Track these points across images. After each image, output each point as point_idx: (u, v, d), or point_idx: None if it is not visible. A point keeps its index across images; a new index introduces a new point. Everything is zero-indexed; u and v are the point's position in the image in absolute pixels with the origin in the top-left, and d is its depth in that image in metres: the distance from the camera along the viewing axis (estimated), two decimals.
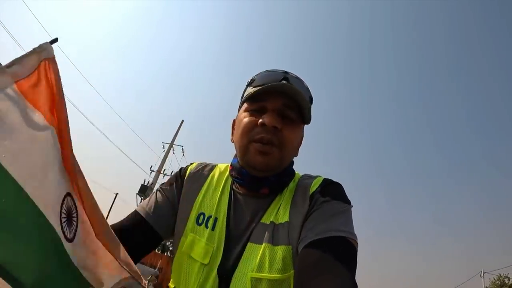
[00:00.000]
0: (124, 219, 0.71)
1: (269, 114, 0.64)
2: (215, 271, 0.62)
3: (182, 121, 16.86)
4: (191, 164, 0.82)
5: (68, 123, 0.49)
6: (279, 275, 0.58)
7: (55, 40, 0.51)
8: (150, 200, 0.74)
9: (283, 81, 0.65)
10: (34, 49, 0.47)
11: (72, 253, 0.46)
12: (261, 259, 0.60)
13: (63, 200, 0.46)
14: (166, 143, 16.65)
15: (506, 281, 22.88)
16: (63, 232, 0.45)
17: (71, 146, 0.48)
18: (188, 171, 0.78)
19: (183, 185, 0.75)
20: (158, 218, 0.70)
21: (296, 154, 0.74)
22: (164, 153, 16.29)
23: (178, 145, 17.27)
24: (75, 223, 0.48)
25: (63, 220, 0.45)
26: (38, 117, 0.45)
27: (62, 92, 0.49)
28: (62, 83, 0.49)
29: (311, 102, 0.72)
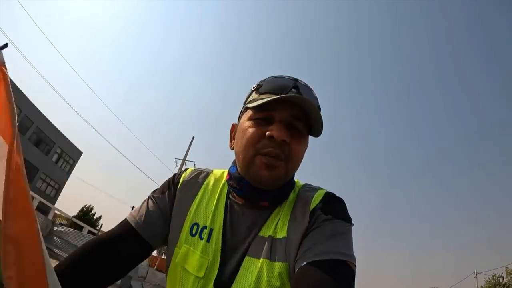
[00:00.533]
0: (114, 228, 0.68)
1: (278, 127, 0.60)
2: (212, 285, 0.59)
3: (193, 137, 17.95)
4: (185, 170, 0.78)
5: (16, 137, 0.45)
6: None
7: (5, 46, 0.50)
8: (141, 208, 0.71)
9: (293, 89, 0.62)
10: None
11: None
12: (258, 274, 0.57)
13: None
14: (178, 158, 17.79)
15: (501, 280, 23.25)
16: None
17: (19, 164, 0.43)
18: (181, 179, 0.74)
19: (176, 194, 0.72)
20: (149, 228, 0.67)
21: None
22: (177, 168, 17.43)
23: (190, 161, 18.30)
24: None
25: None
26: None
27: (13, 105, 0.47)
28: (12, 95, 0.47)
29: (320, 110, 0.68)
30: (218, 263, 0.62)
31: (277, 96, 0.60)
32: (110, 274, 0.63)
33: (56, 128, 24.62)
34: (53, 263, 0.46)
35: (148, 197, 0.74)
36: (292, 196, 0.68)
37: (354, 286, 0.52)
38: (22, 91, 20.33)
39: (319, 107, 0.67)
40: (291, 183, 0.69)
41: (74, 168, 28.56)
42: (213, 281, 0.60)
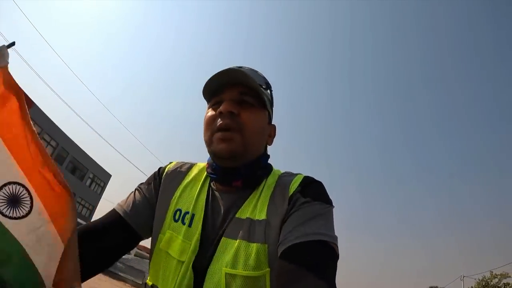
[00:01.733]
0: (101, 217, 0.69)
1: (225, 103, 0.64)
2: (191, 265, 0.60)
3: None
4: (170, 163, 0.80)
5: (33, 133, 0.51)
6: (253, 272, 0.55)
7: (12, 44, 0.51)
8: (128, 198, 0.72)
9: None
10: None
11: (13, 229, 0.48)
12: (235, 255, 0.57)
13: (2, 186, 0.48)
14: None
15: (490, 282, 22.99)
16: (2, 213, 0.47)
17: (43, 151, 0.51)
18: (166, 169, 0.77)
19: (161, 183, 0.74)
20: (136, 216, 0.68)
21: (268, 143, 0.74)
22: None
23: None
24: (26, 205, 0.50)
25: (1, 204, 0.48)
26: None
27: (24, 105, 0.50)
28: (23, 95, 0.49)
29: (269, 87, 0.73)
30: (198, 247, 0.62)
31: (213, 75, 0.65)
32: (98, 263, 0.63)
33: (88, 155, 27.16)
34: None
35: (135, 189, 0.75)
36: (271, 180, 0.68)
37: (335, 265, 0.53)
38: (58, 126, 22.99)
39: (267, 84, 0.73)
40: (264, 164, 0.70)
41: (105, 190, 31.23)
42: (192, 263, 0.60)
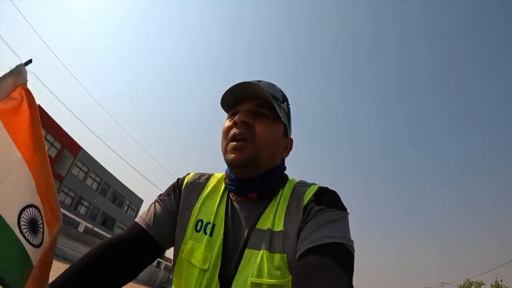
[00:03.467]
0: (124, 231, 0.71)
1: (240, 113, 0.67)
2: (217, 276, 0.62)
3: None
4: (188, 174, 0.82)
5: (46, 155, 0.52)
6: (277, 280, 0.58)
7: (29, 62, 0.52)
8: (149, 211, 0.74)
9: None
10: (11, 71, 0.49)
11: (33, 257, 0.48)
12: (260, 264, 0.59)
13: (24, 208, 0.48)
14: None
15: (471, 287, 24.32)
16: (24, 237, 0.47)
17: (51, 178, 0.52)
18: (185, 181, 0.78)
19: (181, 194, 0.76)
20: (158, 228, 0.70)
21: (283, 155, 0.75)
22: None
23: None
24: (41, 233, 0.50)
25: (24, 226, 0.47)
26: (11, 145, 0.48)
27: (39, 121, 0.51)
28: (38, 111, 0.51)
29: (286, 100, 0.74)
30: (221, 256, 0.64)
31: (230, 88, 0.68)
32: (123, 275, 0.65)
33: (124, 185, 31.77)
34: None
35: (155, 201, 0.77)
36: (287, 191, 0.70)
37: (351, 266, 0.53)
38: (102, 165, 27.61)
39: (284, 97, 0.74)
40: (280, 175, 0.72)
41: (138, 214, 35.52)
42: (217, 273, 0.62)
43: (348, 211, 0.64)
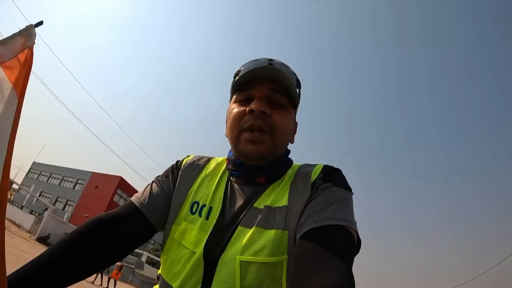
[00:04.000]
0: (118, 208, 0.69)
1: (257, 101, 0.63)
2: (202, 256, 0.59)
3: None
4: (187, 156, 0.80)
5: (16, 127, 0.50)
6: (270, 258, 0.55)
7: (40, 23, 0.52)
8: (145, 191, 0.72)
9: (268, 66, 0.64)
10: (20, 31, 0.49)
11: None
12: (249, 241, 0.57)
13: None
14: None
15: None
16: None
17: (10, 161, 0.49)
18: (183, 162, 0.77)
19: (179, 175, 0.74)
20: (152, 208, 0.68)
21: (291, 141, 0.73)
22: None
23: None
24: None
25: None
26: (14, 95, 0.50)
27: (27, 80, 0.52)
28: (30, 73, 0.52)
29: (299, 86, 0.72)
30: (212, 236, 0.61)
31: (249, 71, 0.64)
32: (112, 253, 0.63)
33: None
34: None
35: (152, 181, 0.75)
36: (291, 171, 0.69)
37: (352, 250, 0.52)
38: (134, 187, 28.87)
39: (298, 81, 0.71)
40: (286, 160, 0.71)
41: None
42: (205, 252, 0.59)
43: (352, 191, 0.63)
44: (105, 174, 30.32)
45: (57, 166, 34.98)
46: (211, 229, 0.62)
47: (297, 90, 0.71)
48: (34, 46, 0.55)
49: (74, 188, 31.61)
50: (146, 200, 0.69)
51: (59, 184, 32.99)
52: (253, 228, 0.59)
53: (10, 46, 0.49)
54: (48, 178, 34.65)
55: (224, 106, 0.79)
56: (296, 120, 0.76)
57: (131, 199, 0.71)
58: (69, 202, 30.62)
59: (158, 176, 0.76)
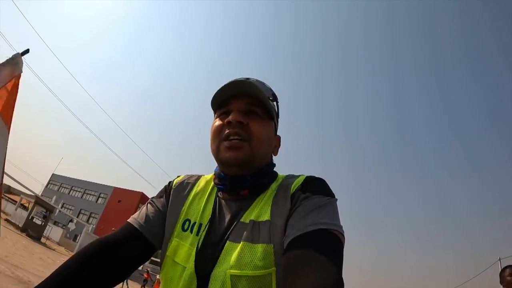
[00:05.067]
0: (117, 230, 0.71)
1: (234, 113, 0.66)
2: (193, 271, 0.61)
3: None
4: (178, 176, 0.83)
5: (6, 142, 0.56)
6: (258, 271, 0.56)
7: (26, 52, 0.56)
8: (141, 212, 0.75)
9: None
10: (8, 60, 0.53)
11: None
12: (239, 256, 0.58)
13: None
14: None
15: None
16: None
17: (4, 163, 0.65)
18: (175, 182, 0.80)
19: (170, 195, 0.77)
20: (150, 227, 0.70)
21: (272, 152, 0.75)
22: None
23: None
24: None
25: None
26: (3, 125, 0.53)
27: (12, 113, 0.58)
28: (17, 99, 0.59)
29: (276, 99, 0.76)
30: (202, 252, 0.64)
31: (224, 84, 0.68)
32: (114, 275, 0.64)
33: None
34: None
35: (148, 202, 0.78)
36: (274, 185, 0.70)
37: (339, 251, 0.51)
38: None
39: (274, 95, 0.76)
40: (269, 171, 0.72)
41: None
42: (195, 268, 0.62)
43: (335, 197, 0.63)
44: (127, 189, 32.32)
45: (77, 179, 36.95)
46: (199, 244, 0.65)
47: (275, 103, 0.75)
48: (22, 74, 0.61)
49: (96, 201, 33.66)
50: (143, 220, 0.72)
51: (81, 197, 35.06)
52: (241, 243, 0.61)
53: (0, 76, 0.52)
54: (70, 191, 36.80)
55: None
56: (278, 134, 0.79)
57: (128, 220, 0.74)
58: (92, 215, 32.69)
59: (153, 197, 0.80)
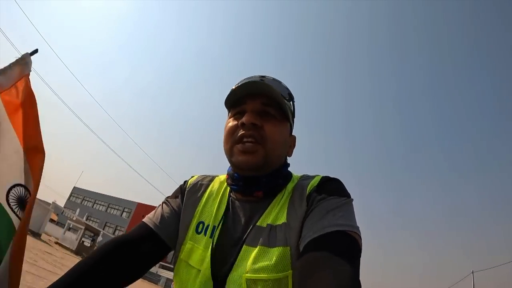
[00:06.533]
0: (132, 230, 0.71)
1: (248, 114, 0.65)
2: (210, 276, 0.61)
3: None
4: (192, 176, 0.83)
5: (41, 144, 0.53)
6: (275, 274, 0.55)
7: (35, 52, 0.52)
8: (157, 212, 0.75)
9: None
10: (17, 60, 0.50)
11: (17, 226, 0.55)
12: (255, 260, 0.58)
13: (12, 187, 0.54)
14: None
15: None
16: (14, 212, 0.54)
17: (41, 169, 0.58)
18: (189, 183, 0.80)
19: (185, 196, 0.77)
20: (165, 228, 0.71)
21: (287, 154, 0.74)
22: None
23: None
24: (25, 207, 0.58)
25: (12, 202, 0.54)
26: (13, 134, 0.49)
27: (37, 112, 0.53)
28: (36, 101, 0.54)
29: (292, 99, 0.74)
30: (216, 255, 0.63)
31: (237, 86, 0.67)
32: (129, 274, 0.65)
33: None
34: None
35: (163, 202, 0.78)
36: (290, 186, 0.69)
37: (356, 253, 0.50)
38: None
39: (290, 95, 0.73)
40: (284, 172, 0.71)
41: None
42: (212, 271, 0.61)
43: (351, 197, 0.62)
44: (149, 205, 34.94)
45: (99, 193, 39.67)
46: (213, 246, 0.65)
47: (291, 103, 0.74)
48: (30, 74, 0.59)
49: (121, 215, 36.50)
50: (159, 220, 0.72)
51: (106, 211, 37.91)
52: (257, 247, 0.60)
53: (8, 75, 0.54)
54: (93, 204, 39.54)
55: None
56: (294, 134, 0.77)
57: (143, 220, 0.74)
58: (118, 228, 35.52)
59: (168, 197, 0.81)
